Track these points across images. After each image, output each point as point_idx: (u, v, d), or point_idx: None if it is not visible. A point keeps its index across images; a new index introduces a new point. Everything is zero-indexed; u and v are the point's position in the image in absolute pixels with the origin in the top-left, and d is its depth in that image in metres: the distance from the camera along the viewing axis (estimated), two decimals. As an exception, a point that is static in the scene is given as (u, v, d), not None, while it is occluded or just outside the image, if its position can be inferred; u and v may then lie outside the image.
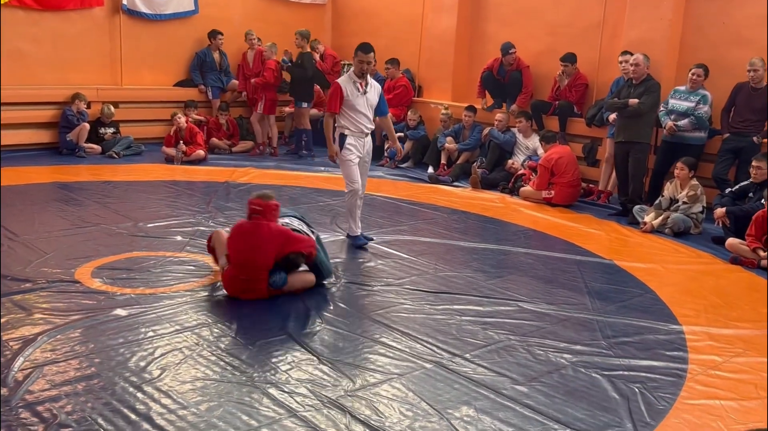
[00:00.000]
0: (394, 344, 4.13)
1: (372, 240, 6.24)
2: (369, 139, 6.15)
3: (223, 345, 3.99)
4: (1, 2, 9.20)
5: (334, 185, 8.63)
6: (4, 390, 3.35)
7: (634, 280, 5.62)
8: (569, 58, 9.01)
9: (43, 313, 4.30)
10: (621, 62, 8.22)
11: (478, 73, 10.01)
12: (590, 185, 8.66)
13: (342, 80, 6.00)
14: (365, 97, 5.97)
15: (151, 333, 4.10)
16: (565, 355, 4.10)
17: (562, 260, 6.06)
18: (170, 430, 3.08)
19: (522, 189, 8.46)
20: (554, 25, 9.64)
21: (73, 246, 5.60)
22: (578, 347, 4.23)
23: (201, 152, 9.67)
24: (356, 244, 6.08)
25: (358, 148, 6.04)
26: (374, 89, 6.08)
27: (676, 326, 4.68)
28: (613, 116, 8.13)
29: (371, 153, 6.29)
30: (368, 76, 6.04)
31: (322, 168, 9.67)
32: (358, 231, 6.18)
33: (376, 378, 3.69)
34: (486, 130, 9.47)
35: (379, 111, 6.16)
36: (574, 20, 9.44)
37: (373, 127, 6.18)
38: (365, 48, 5.91)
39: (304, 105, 10.41)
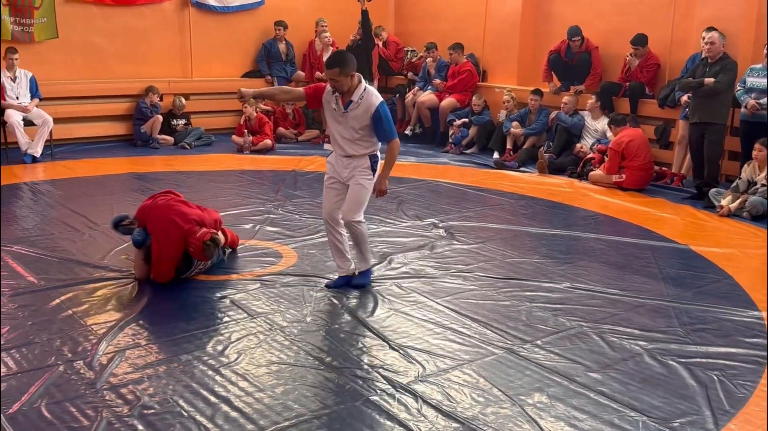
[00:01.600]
0: (463, 330, 4.13)
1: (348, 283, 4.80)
2: (359, 161, 4.59)
3: (295, 331, 4.07)
4: None
5: (399, 172, 8.64)
6: (90, 373, 3.51)
7: (711, 266, 5.45)
8: (640, 41, 8.74)
9: (124, 299, 4.47)
10: (704, 37, 7.89)
11: (544, 55, 9.84)
12: (663, 168, 8.42)
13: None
14: (345, 117, 4.51)
15: (226, 318, 4.22)
16: (640, 342, 4.02)
17: (634, 245, 5.92)
18: (248, 412, 3.18)
19: (591, 173, 8.30)
20: (623, 4, 9.38)
21: (149, 234, 5.79)
22: (653, 334, 4.14)
23: (268, 142, 9.83)
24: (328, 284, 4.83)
25: (334, 168, 4.69)
26: (364, 110, 4.46)
27: (755, 312, 4.53)
28: (685, 98, 7.89)
29: (365, 178, 4.62)
30: (362, 92, 4.47)
31: (388, 155, 9.68)
32: (344, 269, 4.81)
33: (447, 363, 3.71)
34: (553, 114, 9.31)
35: (379, 138, 4.60)
36: (643, -2, 9.18)
37: (359, 154, 4.58)
38: (326, 63, 4.50)
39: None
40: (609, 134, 8.50)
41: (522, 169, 9.03)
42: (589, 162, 8.51)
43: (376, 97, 4.54)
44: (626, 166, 7.91)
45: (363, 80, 4.56)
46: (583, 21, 9.42)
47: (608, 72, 9.43)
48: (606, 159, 8.16)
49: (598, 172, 8.21)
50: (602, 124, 8.84)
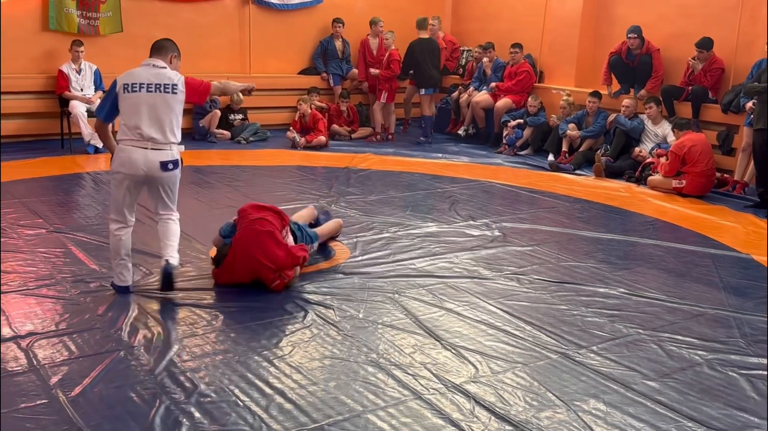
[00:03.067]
0: (517, 333, 4.09)
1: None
2: None
3: (348, 326, 4.09)
4: None
5: (452, 172, 8.63)
6: (149, 360, 3.59)
7: (774, 276, 5.30)
8: (705, 44, 8.52)
9: (183, 289, 4.56)
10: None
11: (604, 57, 9.68)
12: (725, 175, 8.20)
13: None
14: None
15: (280, 311, 4.27)
16: (700, 352, 3.92)
17: (694, 253, 5.78)
18: (302, 404, 3.21)
19: (650, 178, 8.12)
20: (688, 6, 9.17)
21: (207, 226, 5.85)
22: (713, 344, 4.04)
23: (323, 138, 9.89)
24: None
25: None
26: None
27: (822, 326, 4.38)
28: (749, 104, 7.67)
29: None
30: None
31: (440, 155, 9.68)
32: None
33: (500, 365, 3.68)
34: (611, 117, 9.15)
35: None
36: (709, 0, 8.94)
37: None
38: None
39: (430, 91, 10.50)
40: (670, 139, 8.32)
41: (578, 171, 8.91)
42: (648, 166, 8.34)
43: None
44: (687, 172, 7.73)
45: (175, 62, 4.50)
46: (646, 23, 9.23)
47: (670, 75, 9.22)
48: (665, 161, 7.98)
49: (657, 177, 8.04)
50: (663, 128, 8.65)
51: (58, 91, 9.03)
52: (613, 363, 3.75)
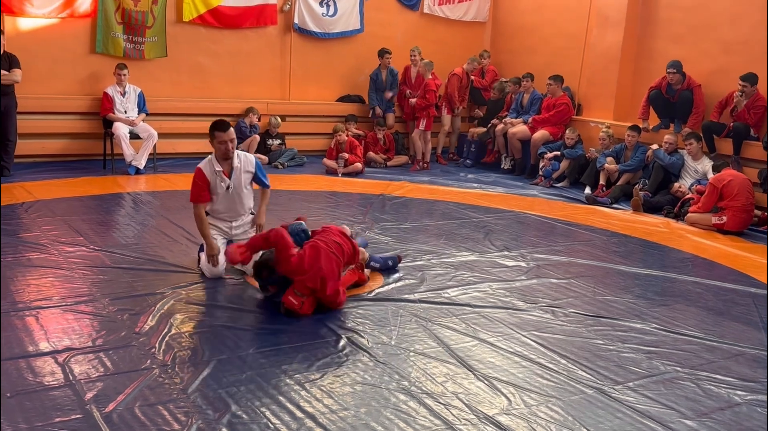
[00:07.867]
0: (551, 366, 4.04)
1: None
2: (241, 220, 5.48)
3: (380, 352, 4.08)
4: (186, 20, 10.00)
5: (487, 202, 8.60)
6: (182, 378, 3.61)
7: (818, 318, 5.15)
8: (750, 78, 8.43)
9: (216, 309, 4.60)
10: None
11: (643, 92, 9.63)
12: (766, 213, 8.06)
13: (204, 166, 5.17)
14: (232, 185, 5.22)
15: (313, 335, 4.28)
16: (739, 392, 3.82)
17: (733, 291, 5.67)
18: (332, 429, 3.19)
19: (689, 214, 8.01)
20: (730, 42, 9.10)
21: (242, 248, 5.94)
22: (753, 384, 3.94)
23: (359, 165, 9.96)
24: None
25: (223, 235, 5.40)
26: (244, 170, 5.26)
27: None
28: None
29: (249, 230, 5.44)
30: (237, 154, 5.17)
31: (476, 184, 9.67)
32: None
33: (534, 399, 3.63)
34: (650, 150, 9.07)
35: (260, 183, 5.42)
36: (752, 37, 8.86)
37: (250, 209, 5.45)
38: (222, 126, 5.03)
39: None
40: (710, 175, 8.22)
41: (615, 205, 8.82)
42: (688, 202, 8.23)
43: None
44: (727, 207, 7.62)
45: None
46: (687, 59, 9.18)
47: (711, 111, 9.12)
48: (702, 196, 7.89)
49: (696, 214, 7.92)
50: (703, 164, 8.55)
51: (102, 113, 9.24)
52: (649, 400, 3.67)
